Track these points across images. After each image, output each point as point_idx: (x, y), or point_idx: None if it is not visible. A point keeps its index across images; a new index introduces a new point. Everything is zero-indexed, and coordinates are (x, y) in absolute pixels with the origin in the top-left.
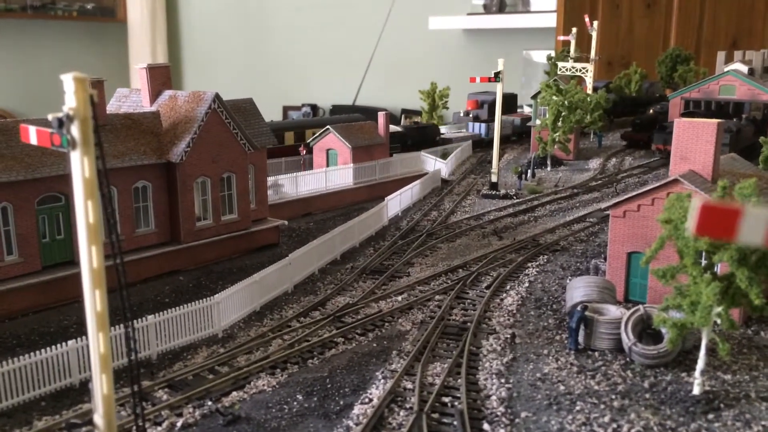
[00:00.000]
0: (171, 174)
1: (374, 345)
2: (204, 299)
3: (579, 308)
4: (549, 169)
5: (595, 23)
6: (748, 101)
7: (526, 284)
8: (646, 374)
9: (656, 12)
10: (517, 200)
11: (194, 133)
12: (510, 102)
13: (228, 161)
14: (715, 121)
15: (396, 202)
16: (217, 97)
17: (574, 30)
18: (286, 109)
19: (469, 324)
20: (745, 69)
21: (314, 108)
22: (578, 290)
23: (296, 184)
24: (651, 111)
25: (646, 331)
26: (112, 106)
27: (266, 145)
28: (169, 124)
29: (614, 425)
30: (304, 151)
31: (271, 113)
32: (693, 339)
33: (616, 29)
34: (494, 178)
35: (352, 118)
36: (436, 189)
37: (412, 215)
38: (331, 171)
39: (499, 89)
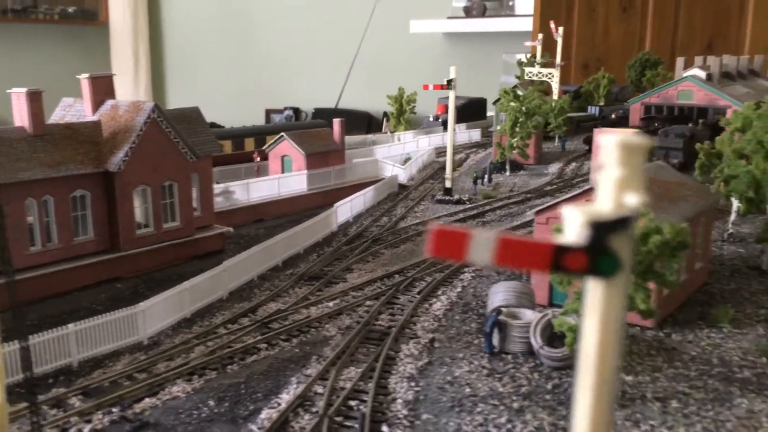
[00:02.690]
0: (110, 183)
1: (296, 351)
2: (128, 307)
3: (493, 313)
4: (508, 173)
5: (561, 29)
6: (710, 106)
7: (459, 289)
8: (552, 376)
9: (632, 15)
10: (470, 205)
11: (133, 142)
12: (480, 107)
13: (169, 170)
14: (632, 132)
15: (347, 208)
16: (156, 107)
17: (540, 36)
18: (268, 112)
19: (392, 329)
20: (703, 74)
21: (296, 111)
22: (498, 295)
23: (248, 191)
24: (613, 116)
25: (557, 334)
26: (57, 115)
27: (211, 153)
28: (110, 134)
29: (509, 426)
30: (259, 158)
31: (254, 116)
32: None
33: (592, 32)
34: (448, 184)
35: (310, 124)
36: (393, 194)
37: (362, 221)
38: (284, 177)
39: (451, 96)
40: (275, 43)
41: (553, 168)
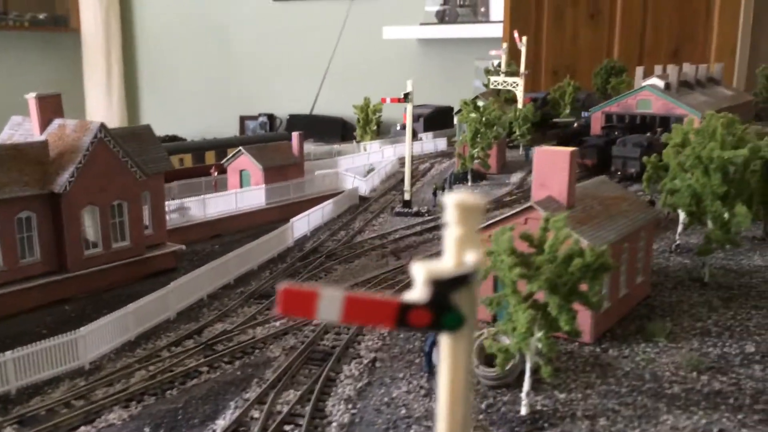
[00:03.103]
0: (56, 203)
1: (238, 373)
2: (69, 333)
3: (433, 332)
4: (470, 184)
5: (524, 39)
6: (668, 115)
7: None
8: (487, 395)
9: (599, 22)
10: (428, 218)
11: (79, 162)
12: (447, 115)
13: (118, 189)
14: (570, 149)
15: (304, 222)
16: (102, 126)
17: (505, 45)
18: (243, 119)
19: (336, 349)
20: (661, 84)
21: (271, 117)
22: None
23: (204, 207)
24: (575, 124)
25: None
26: (5, 135)
27: (162, 171)
28: (57, 154)
29: None
30: (216, 172)
31: (228, 123)
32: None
33: (560, 39)
34: (407, 196)
35: (271, 137)
36: (353, 207)
37: (319, 235)
38: (241, 192)
39: (408, 109)
40: (249, 50)
41: (515, 178)
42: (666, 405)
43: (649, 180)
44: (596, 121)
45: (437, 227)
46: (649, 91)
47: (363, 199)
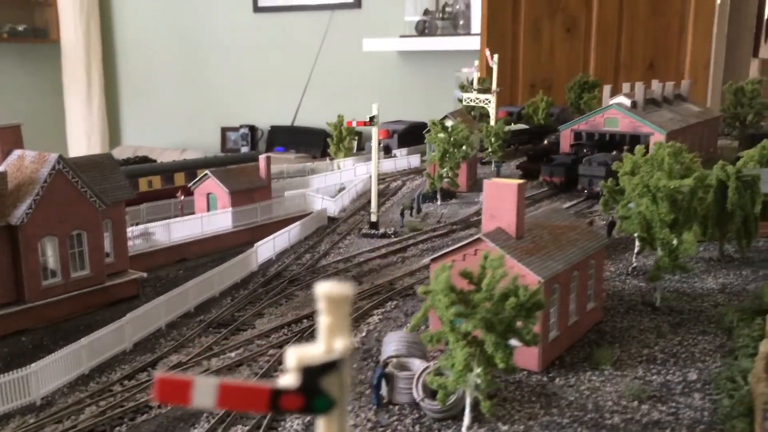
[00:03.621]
0: (14, 235)
1: (188, 408)
2: (19, 369)
3: (380, 366)
4: (439, 203)
5: (496, 57)
6: (635, 133)
7: (363, 333)
8: (432, 428)
9: (576, 36)
10: (394, 239)
11: (36, 194)
12: (422, 131)
13: (77, 219)
14: (517, 182)
15: (269, 246)
16: (60, 158)
17: (476, 62)
18: (224, 130)
19: None
20: (628, 102)
21: (252, 129)
22: (390, 345)
23: (169, 231)
24: (546, 141)
25: None
26: None
27: (123, 199)
28: (14, 186)
29: None
30: (182, 196)
31: (209, 134)
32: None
33: (537, 52)
34: (374, 218)
35: (241, 158)
36: (322, 228)
37: (284, 259)
38: (207, 216)
39: (374, 132)
40: (229, 61)
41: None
42: None
43: (606, 204)
44: (565, 138)
45: (403, 249)
46: (615, 110)
47: (332, 220)
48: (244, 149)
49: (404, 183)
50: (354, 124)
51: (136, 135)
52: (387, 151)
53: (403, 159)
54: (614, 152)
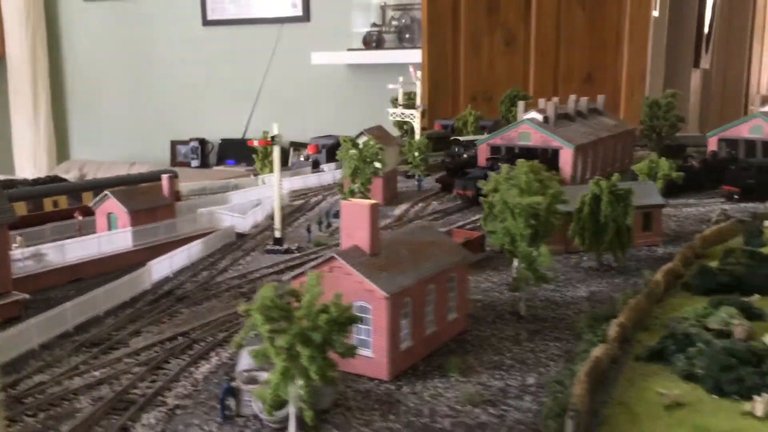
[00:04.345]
0: None
1: (39, 427)
2: None
3: (225, 381)
4: None
5: (419, 73)
6: (546, 147)
7: (234, 349)
8: None
9: (515, 50)
10: (297, 254)
11: None
12: None
13: None
14: (370, 202)
15: (165, 264)
16: None
17: (401, 78)
18: (174, 144)
19: (143, 397)
20: (540, 117)
21: (203, 142)
22: (244, 359)
23: (63, 252)
24: (465, 155)
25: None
26: None
27: (5, 222)
28: None
29: None
30: (80, 216)
31: (159, 148)
32: (330, 398)
33: (478, 65)
34: (277, 234)
35: (149, 176)
36: (228, 245)
37: (180, 277)
38: (104, 236)
39: (275, 152)
40: (179, 74)
41: (399, 210)
42: None
43: (485, 219)
44: (482, 152)
45: (301, 264)
46: (527, 125)
47: (241, 236)
48: (195, 162)
49: (324, 198)
50: (255, 143)
51: (84, 150)
52: (315, 165)
53: (330, 173)
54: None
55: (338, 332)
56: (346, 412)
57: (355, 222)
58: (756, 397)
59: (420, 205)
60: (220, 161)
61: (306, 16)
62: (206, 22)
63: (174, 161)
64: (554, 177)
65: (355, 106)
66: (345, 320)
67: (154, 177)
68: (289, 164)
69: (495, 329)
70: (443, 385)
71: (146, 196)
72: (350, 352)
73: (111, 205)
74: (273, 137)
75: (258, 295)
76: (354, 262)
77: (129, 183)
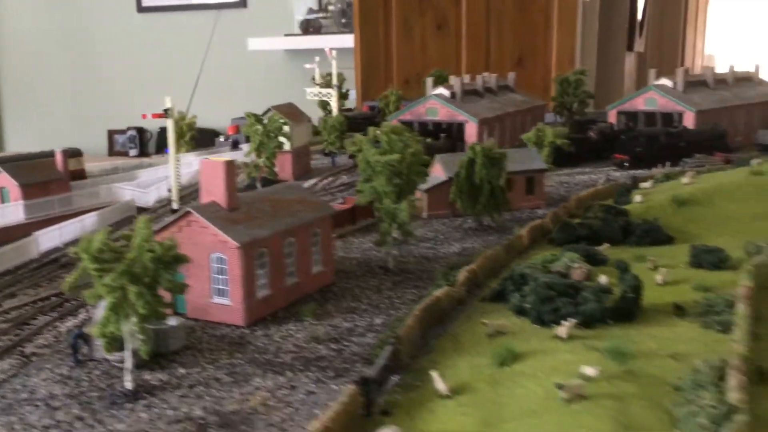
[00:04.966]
0: None
1: None
2: None
3: (75, 329)
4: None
5: (335, 52)
6: (452, 122)
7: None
8: (112, 374)
9: (446, 33)
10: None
11: None
12: None
13: None
14: (226, 160)
15: (56, 235)
16: None
17: (317, 58)
18: (111, 133)
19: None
20: (447, 93)
21: (141, 131)
22: (100, 308)
23: None
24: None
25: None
26: None
27: None
28: None
29: (37, 421)
30: None
31: (96, 137)
32: (180, 341)
33: (410, 48)
34: (175, 206)
35: (38, 155)
36: (128, 218)
37: (71, 247)
38: None
39: (169, 124)
40: (115, 62)
41: (308, 183)
42: (264, 371)
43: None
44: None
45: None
46: (435, 100)
47: (142, 210)
48: (133, 152)
49: (238, 175)
50: (149, 116)
51: (19, 141)
52: (235, 145)
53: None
54: (428, 140)
55: (166, 270)
56: (196, 353)
57: (212, 179)
58: (563, 322)
59: (330, 179)
60: (159, 150)
61: (243, 2)
62: (141, 9)
63: (111, 151)
64: (416, 137)
65: (292, 90)
66: (170, 258)
67: (50, 154)
68: (215, 144)
69: (361, 281)
70: (296, 328)
71: (39, 171)
72: (178, 288)
73: (2, 179)
74: (166, 110)
75: (85, 237)
76: (210, 216)
77: (25, 160)
